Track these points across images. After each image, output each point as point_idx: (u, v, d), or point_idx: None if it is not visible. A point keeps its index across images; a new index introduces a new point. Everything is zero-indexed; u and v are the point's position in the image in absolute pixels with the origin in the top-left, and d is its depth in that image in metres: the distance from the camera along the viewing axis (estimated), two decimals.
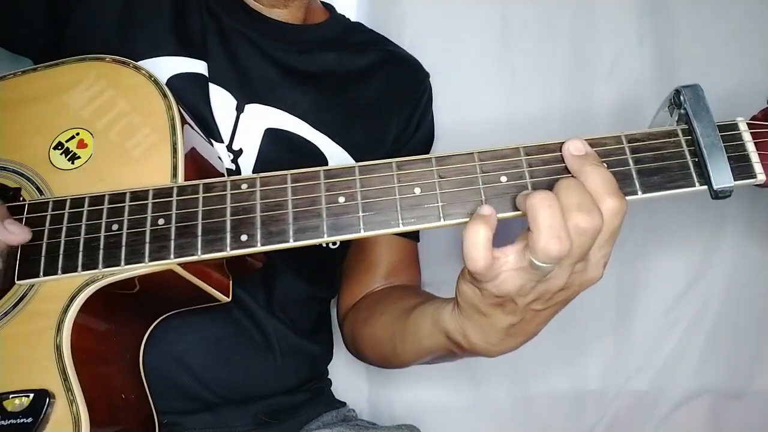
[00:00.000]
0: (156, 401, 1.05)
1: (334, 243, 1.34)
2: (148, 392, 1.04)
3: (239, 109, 1.25)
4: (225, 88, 1.25)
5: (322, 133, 1.31)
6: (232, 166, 1.22)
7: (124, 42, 1.21)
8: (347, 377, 1.71)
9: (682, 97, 0.84)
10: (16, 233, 0.92)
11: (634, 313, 1.81)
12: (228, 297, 1.05)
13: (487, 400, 1.80)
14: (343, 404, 1.46)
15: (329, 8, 1.51)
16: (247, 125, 1.25)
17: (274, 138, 1.26)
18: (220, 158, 1.16)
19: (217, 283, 1.02)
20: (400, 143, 1.43)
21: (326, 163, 1.29)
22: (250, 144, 1.24)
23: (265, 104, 1.28)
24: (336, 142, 1.32)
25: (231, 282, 1.06)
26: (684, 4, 1.78)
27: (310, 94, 1.32)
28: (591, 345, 1.81)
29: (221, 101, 1.24)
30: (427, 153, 1.43)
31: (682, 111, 0.85)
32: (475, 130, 1.76)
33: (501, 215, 0.83)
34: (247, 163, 1.23)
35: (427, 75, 1.54)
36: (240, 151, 1.23)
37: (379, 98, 1.41)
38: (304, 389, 1.35)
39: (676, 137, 0.85)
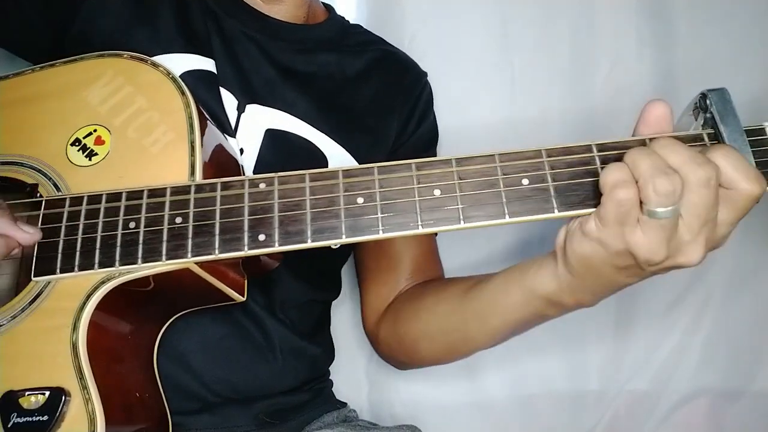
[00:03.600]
0: None
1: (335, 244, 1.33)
2: (161, 391, 1.04)
3: (240, 109, 1.25)
4: (227, 88, 1.25)
5: (322, 132, 1.31)
6: (241, 162, 1.21)
7: (131, 41, 1.21)
8: (348, 377, 1.71)
9: (708, 101, 0.83)
10: (31, 232, 0.92)
11: (634, 313, 1.81)
12: (243, 296, 1.05)
13: (487, 400, 1.80)
14: (344, 404, 1.45)
15: (329, 9, 1.51)
16: (248, 125, 1.25)
17: (274, 138, 1.26)
18: (235, 153, 1.17)
19: (233, 282, 1.02)
20: (401, 141, 1.43)
21: (327, 163, 1.30)
22: (251, 144, 1.24)
23: (266, 105, 1.28)
24: (336, 142, 1.31)
25: (246, 281, 1.06)
26: (684, 5, 1.78)
27: (310, 94, 1.32)
28: (591, 345, 1.81)
29: (224, 101, 1.24)
30: (433, 152, 1.46)
31: (708, 115, 0.83)
32: (476, 130, 1.77)
33: (522, 219, 0.83)
34: (248, 162, 1.23)
35: (424, 74, 1.54)
36: (241, 151, 1.23)
37: (378, 98, 1.41)
38: (306, 389, 1.35)
39: (702, 142, 0.84)
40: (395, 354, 1.36)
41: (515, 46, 1.79)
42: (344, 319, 1.71)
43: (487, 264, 1.68)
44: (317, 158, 1.29)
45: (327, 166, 1.23)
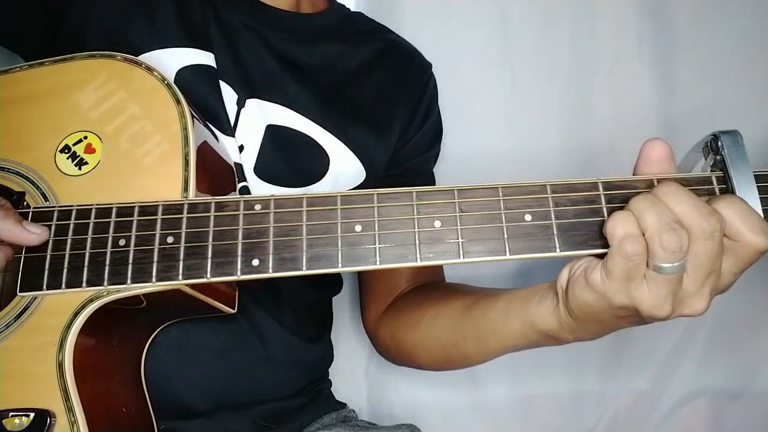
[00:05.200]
0: (154, 409, 1.03)
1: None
2: (148, 400, 1.03)
3: (240, 104, 1.22)
4: (226, 82, 1.22)
5: (324, 129, 1.28)
6: (240, 161, 1.19)
7: (128, 34, 1.18)
8: (348, 378, 1.71)
9: (720, 143, 0.80)
10: (37, 233, 0.89)
11: None
12: (233, 309, 1.03)
13: (487, 400, 1.80)
14: (344, 405, 1.44)
15: None
16: (248, 121, 1.22)
17: (275, 135, 1.24)
18: (230, 158, 1.14)
19: (224, 296, 1.00)
20: (406, 138, 1.41)
21: (328, 162, 1.27)
22: (251, 140, 1.22)
23: (266, 99, 1.25)
24: (338, 139, 1.29)
25: (237, 293, 1.04)
26: (684, 5, 1.77)
27: (311, 88, 1.30)
28: (591, 345, 1.77)
29: (223, 95, 1.21)
30: (437, 149, 1.45)
31: (719, 157, 0.81)
32: (474, 130, 1.76)
33: (522, 256, 0.81)
34: (248, 160, 1.21)
35: (429, 65, 1.51)
36: (241, 147, 1.20)
37: (382, 91, 1.39)
38: (305, 393, 1.34)
39: (710, 185, 0.81)
40: (392, 354, 1.34)
41: (515, 47, 1.78)
42: (344, 319, 1.71)
43: (495, 277, 1.68)
44: (319, 155, 1.27)
45: (329, 164, 1.24)
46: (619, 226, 0.75)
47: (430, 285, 1.34)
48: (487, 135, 1.75)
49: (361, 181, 1.31)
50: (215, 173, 1.03)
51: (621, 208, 0.79)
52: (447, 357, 1.18)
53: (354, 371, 1.76)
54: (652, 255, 0.74)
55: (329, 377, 1.48)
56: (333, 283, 1.47)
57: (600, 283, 0.79)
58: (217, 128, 1.16)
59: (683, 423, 1.85)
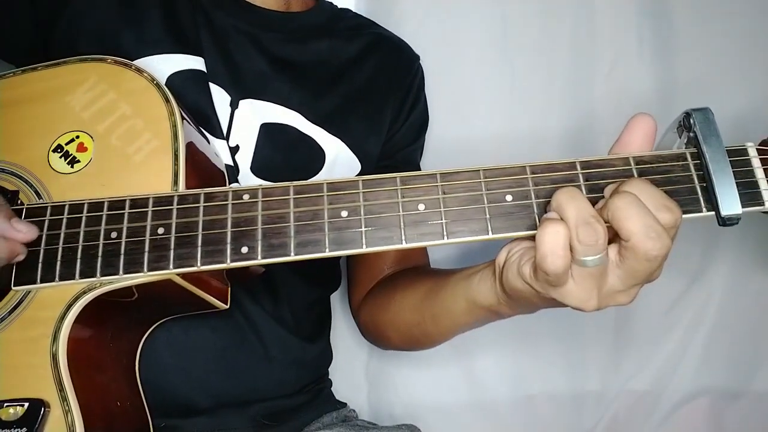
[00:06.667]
0: (154, 407, 1.04)
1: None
2: (143, 397, 1.04)
3: (233, 105, 1.24)
4: (218, 85, 1.23)
5: (317, 125, 1.30)
6: (235, 161, 1.21)
7: (118, 41, 1.19)
8: (348, 378, 1.71)
9: (692, 120, 0.82)
10: (24, 231, 0.89)
11: (634, 313, 1.80)
12: (226, 304, 1.04)
13: (487, 400, 1.80)
14: (344, 405, 1.45)
15: None
16: (242, 121, 1.24)
17: (270, 133, 1.25)
18: (222, 162, 1.15)
19: (216, 291, 1.01)
20: (395, 128, 1.43)
21: (324, 156, 1.29)
22: (246, 140, 1.23)
23: (259, 99, 1.27)
24: (332, 134, 1.31)
25: (230, 289, 1.05)
26: (684, 5, 1.77)
27: (304, 86, 1.31)
28: (591, 345, 1.81)
29: (216, 98, 1.22)
30: (422, 136, 1.47)
31: (692, 134, 0.82)
32: (474, 130, 1.76)
33: (505, 235, 0.83)
34: (244, 159, 1.22)
35: (417, 57, 1.53)
36: (237, 148, 1.22)
37: (372, 84, 1.41)
38: (305, 392, 1.35)
39: (684, 161, 0.83)
40: (371, 335, 1.38)
41: (515, 47, 1.78)
42: (344, 319, 1.71)
43: (477, 252, 1.68)
44: (314, 150, 1.29)
45: (324, 158, 1.26)
46: (546, 241, 0.76)
47: (405, 270, 1.37)
48: (486, 135, 1.75)
49: (356, 173, 1.33)
50: (204, 173, 1.05)
51: (598, 187, 0.81)
52: (412, 337, 1.22)
53: (354, 371, 1.77)
54: (573, 250, 0.75)
55: (329, 377, 1.48)
56: (331, 279, 1.48)
57: (529, 277, 0.82)
58: (208, 131, 1.18)
59: (683, 423, 1.84)
